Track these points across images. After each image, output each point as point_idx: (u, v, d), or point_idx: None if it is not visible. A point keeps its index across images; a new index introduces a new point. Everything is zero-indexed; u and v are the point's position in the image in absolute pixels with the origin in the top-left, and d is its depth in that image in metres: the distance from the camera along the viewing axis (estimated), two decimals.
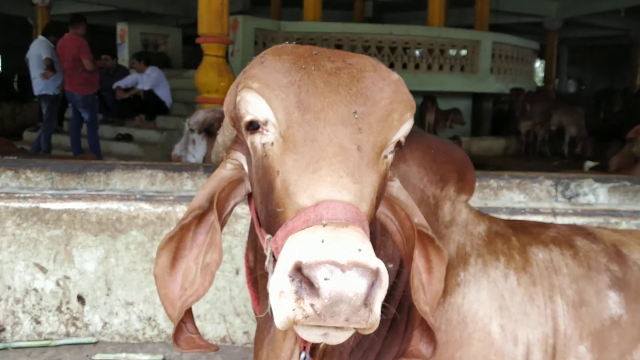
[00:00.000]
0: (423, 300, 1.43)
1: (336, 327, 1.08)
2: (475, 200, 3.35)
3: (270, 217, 1.25)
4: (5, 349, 2.75)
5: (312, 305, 1.02)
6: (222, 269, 2.80)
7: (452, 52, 11.99)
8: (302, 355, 1.42)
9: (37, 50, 8.63)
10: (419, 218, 1.47)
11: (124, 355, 2.70)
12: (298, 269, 1.03)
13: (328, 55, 1.33)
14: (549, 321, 1.82)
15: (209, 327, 2.83)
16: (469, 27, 13.91)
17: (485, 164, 10.58)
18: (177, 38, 13.22)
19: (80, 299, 2.82)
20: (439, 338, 1.71)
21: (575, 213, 2.81)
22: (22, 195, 2.81)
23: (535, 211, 2.76)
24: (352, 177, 1.18)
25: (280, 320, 1.06)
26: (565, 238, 2.02)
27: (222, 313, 2.82)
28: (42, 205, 2.78)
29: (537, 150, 12.15)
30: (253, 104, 1.25)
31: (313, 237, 1.07)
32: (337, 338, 1.12)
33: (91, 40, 8.44)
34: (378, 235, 1.66)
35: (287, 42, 1.43)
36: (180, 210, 2.75)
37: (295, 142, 1.21)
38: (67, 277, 2.80)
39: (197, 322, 2.56)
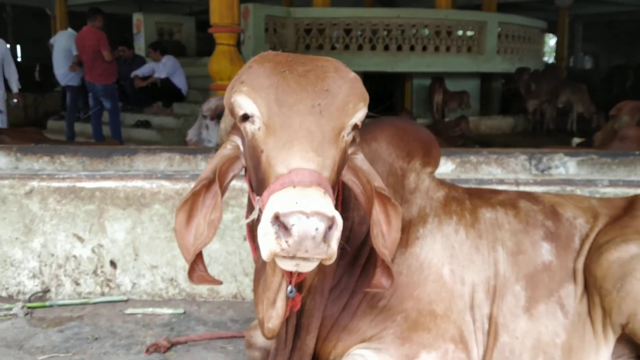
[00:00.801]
0: (382, 245, 1.86)
1: (304, 258, 1.52)
2: (458, 174, 3.77)
3: (258, 183, 1.72)
4: (51, 306, 3.24)
5: (286, 241, 1.48)
6: (232, 235, 3.25)
7: (459, 33, 12.24)
8: (289, 288, 1.87)
9: (66, 44, 9.10)
10: (378, 182, 1.90)
11: (150, 309, 3.18)
12: (276, 218, 1.49)
13: (301, 61, 1.79)
14: (491, 266, 2.24)
15: (223, 286, 3.29)
16: (478, 7, 14.12)
17: (493, 142, 10.88)
18: (190, 26, 13.62)
19: (113, 263, 3.30)
20: (401, 280, 2.17)
21: (536, 182, 3.18)
22: (60, 176, 3.28)
23: (501, 182, 3.15)
24: (315, 152, 1.62)
25: (265, 253, 1.53)
26: (511, 201, 2.44)
27: (233, 274, 3.28)
28: (78, 185, 3.25)
29: (545, 128, 12.40)
30: (244, 103, 1.72)
31: (286, 195, 1.52)
32: (306, 267, 1.58)
33: (107, 29, 8.84)
34: (352, 199, 2.10)
35: (270, 50, 1.89)
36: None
37: (275, 129, 1.67)
38: (100, 245, 3.28)
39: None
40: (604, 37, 26.12)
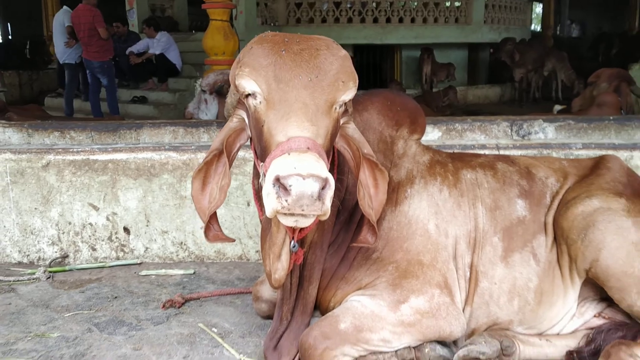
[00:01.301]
0: (368, 205, 2.13)
1: (302, 215, 1.78)
2: (444, 141, 4.03)
3: (262, 151, 1.98)
4: (71, 270, 3.51)
5: (286, 200, 1.75)
6: (236, 201, 3.51)
7: (447, 4, 12.40)
8: (292, 243, 2.15)
9: (62, 21, 9.22)
10: (367, 149, 2.16)
11: (163, 271, 3.45)
12: (277, 180, 1.75)
13: (296, 40, 2.05)
14: (471, 221, 2.51)
15: (229, 248, 3.57)
16: None
17: (480, 111, 11.12)
18: (182, 2, 13.68)
19: (126, 230, 3.56)
20: (392, 235, 2.44)
21: (515, 147, 3.44)
22: (74, 149, 3.51)
23: (484, 147, 3.41)
24: (310, 121, 1.88)
25: (268, 210, 1.80)
26: (489, 163, 2.70)
27: (238, 236, 3.55)
28: (92, 157, 3.49)
29: (531, 96, 12.65)
30: (246, 83, 1.99)
31: (285, 160, 1.77)
32: (304, 222, 1.85)
33: (100, 5, 8.93)
34: (346, 164, 2.35)
35: (268, 32, 2.13)
36: (201, 157, 3.44)
37: (274, 102, 1.94)
38: (114, 213, 3.54)
39: (218, 244, 3.30)
40: (591, 4, 26.15)
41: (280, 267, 2.22)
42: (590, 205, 2.41)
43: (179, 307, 2.99)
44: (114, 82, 9.23)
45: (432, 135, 4.00)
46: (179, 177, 3.47)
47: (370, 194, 2.15)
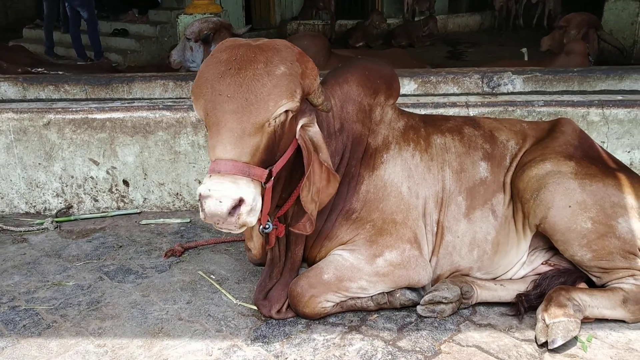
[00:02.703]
0: (312, 199, 2.42)
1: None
2: (419, 91, 4.28)
3: None
4: (75, 220, 3.82)
5: (203, 217, 2.14)
6: None
7: None
8: (260, 227, 2.50)
9: None
10: (323, 154, 2.44)
11: (162, 220, 3.78)
12: (200, 196, 2.14)
13: (242, 57, 2.21)
14: (439, 183, 2.82)
15: None
16: None
17: (460, 41, 11.26)
18: None
19: (125, 182, 3.85)
20: (370, 197, 2.75)
21: (483, 104, 3.73)
22: (74, 109, 3.74)
23: (454, 104, 3.70)
24: (234, 144, 2.15)
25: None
26: (457, 127, 2.98)
27: None
28: (90, 116, 3.72)
29: (510, 24, 12.72)
30: (194, 106, 2.31)
31: (207, 181, 2.12)
32: (235, 231, 2.20)
33: None
34: (325, 129, 2.64)
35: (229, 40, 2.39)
36: (194, 115, 3.70)
37: (210, 126, 2.27)
38: (114, 167, 3.81)
39: None
40: None
41: (253, 246, 2.63)
42: (544, 169, 2.74)
43: (179, 256, 3.34)
44: (94, 15, 9.17)
45: (409, 87, 4.27)
46: (173, 134, 3.73)
47: (320, 187, 2.43)
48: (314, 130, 2.43)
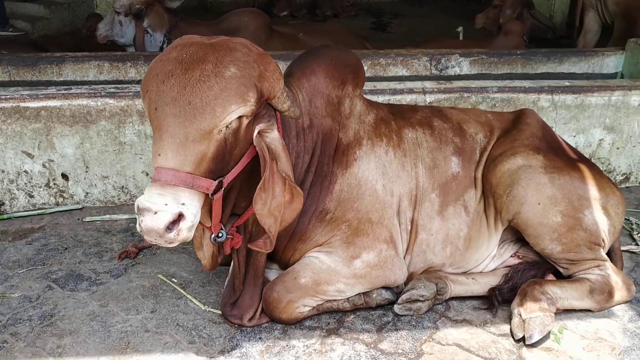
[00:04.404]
0: (268, 212, 2.21)
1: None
2: (368, 73, 4.20)
3: None
4: (9, 218, 3.49)
5: (140, 230, 1.98)
6: None
7: None
8: (212, 237, 2.35)
9: None
10: (282, 163, 2.22)
11: (107, 216, 3.52)
12: (138, 207, 1.95)
13: (193, 54, 2.02)
14: (413, 180, 2.77)
15: None
16: None
17: (383, 11, 11.17)
18: None
19: (64, 176, 3.54)
20: (344, 196, 2.66)
21: (440, 91, 3.70)
22: (3, 97, 3.36)
23: (411, 91, 3.65)
24: (175, 152, 1.97)
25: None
26: (426, 120, 2.93)
27: None
28: (22, 104, 3.36)
29: None
30: (143, 105, 2.12)
31: (147, 191, 1.97)
32: (173, 245, 2.03)
33: None
34: (293, 137, 2.51)
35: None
36: (139, 103, 3.43)
37: (154, 128, 2.08)
38: (51, 160, 3.49)
39: None
40: None
41: (202, 256, 2.46)
42: (515, 163, 2.75)
43: (134, 258, 3.13)
44: None
45: None
46: (117, 123, 3.46)
47: (282, 202, 2.23)
48: (272, 137, 2.22)
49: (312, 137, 2.63)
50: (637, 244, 3.35)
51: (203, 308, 2.75)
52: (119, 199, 3.64)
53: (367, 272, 2.62)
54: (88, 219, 3.49)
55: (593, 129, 3.84)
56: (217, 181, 2.07)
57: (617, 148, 3.92)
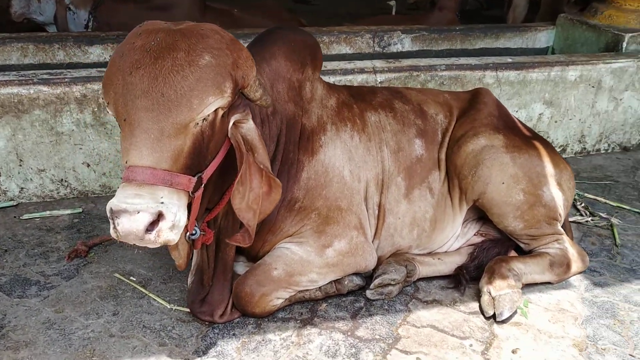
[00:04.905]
0: (247, 206, 2.12)
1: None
2: None
3: None
4: None
5: (116, 234, 1.82)
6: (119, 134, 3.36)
7: None
8: (187, 235, 2.21)
9: None
10: (259, 155, 2.12)
11: (47, 212, 3.27)
12: (111, 211, 1.79)
13: (160, 42, 1.85)
14: (379, 164, 2.74)
15: (115, 181, 3.45)
16: None
17: None
18: None
19: None
20: (311, 184, 2.59)
21: (390, 70, 3.68)
22: None
23: (362, 70, 3.60)
24: (151, 148, 1.81)
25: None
26: (387, 102, 2.89)
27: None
28: None
29: None
30: (104, 100, 1.94)
31: (121, 191, 1.80)
32: (152, 246, 1.87)
33: None
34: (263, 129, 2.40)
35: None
36: (77, 90, 3.18)
37: (122, 123, 1.89)
38: None
39: (103, 179, 3.20)
40: None
41: (178, 256, 2.27)
42: (478, 144, 2.77)
43: (84, 256, 2.93)
44: None
45: None
46: (53, 112, 3.19)
47: (259, 194, 2.15)
48: (248, 127, 2.11)
49: (276, 124, 2.54)
50: (581, 215, 3.50)
51: (169, 307, 2.62)
52: (58, 193, 3.39)
53: (339, 260, 2.58)
54: (26, 216, 3.23)
55: (534, 104, 3.95)
56: (196, 177, 1.94)
57: (555, 121, 4.06)
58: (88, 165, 3.35)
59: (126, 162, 1.84)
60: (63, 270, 2.84)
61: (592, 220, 3.44)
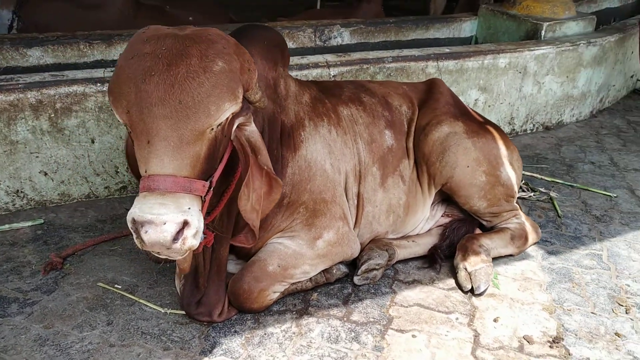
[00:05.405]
0: (251, 207, 2.20)
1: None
2: None
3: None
4: None
5: (142, 244, 1.83)
6: (78, 140, 3.25)
7: None
8: None
9: None
10: (262, 156, 2.18)
11: (7, 226, 3.11)
12: (134, 222, 1.79)
13: (169, 49, 1.85)
14: (355, 156, 2.87)
15: (74, 189, 3.34)
16: None
17: None
18: None
19: None
20: (296, 179, 2.67)
21: (342, 63, 3.80)
22: None
23: (316, 65, 3.70)
24: (171, 156, 1.83)
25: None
26: (356, 96, 3.01)
27: (84, 175, 3.33)
28: None
29: None
30: (113, 110, 1.93)
31: (142, 202, 1.79)
32: (175, 257, 1.90)
33: None
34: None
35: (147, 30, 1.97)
36: (32, 96, 3.04)
37: (136, 134, 1.89)
38: None
39: (62, 187, 3.12)
40: None
41: (183, 260, 2.22)
42: (442, 131, 2.97)
43: (61, 268, 2.84)
44: None
45: None
46: (7, 120, 3.04)
47: (261, 194, 2.22)
48: (251, 130, 2.16)
49: (259, 123, 2.58)
50: (523, 191, 3.81)
51: (163, 311, 2.61)
52: (14, 204, 3.23)
53: (329, 250, 2.69)
54: None
55: (470, 90, 4.23)
56: (208, 182, 1.98)
57: (489, 106, 4.37)
58: (45, 174, 3.22)
59: (145, 171, 1.84)
60: (41, 284, 2.74)
61: (533, 195, 3.77)
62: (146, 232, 1.77)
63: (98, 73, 3.25)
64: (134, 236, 1.82)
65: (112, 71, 3.31)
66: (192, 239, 1.85)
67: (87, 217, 3.29)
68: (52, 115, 3.11)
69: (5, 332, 2.45)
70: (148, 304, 2.65)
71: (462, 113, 3.15)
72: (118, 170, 3.39)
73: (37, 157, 3.17)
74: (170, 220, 1.78)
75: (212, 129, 1.93)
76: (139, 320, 2.55)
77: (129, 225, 1.81)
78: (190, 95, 1.85)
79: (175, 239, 1.80)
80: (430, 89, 3.24)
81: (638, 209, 3.68)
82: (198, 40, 1.93)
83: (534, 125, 4.68)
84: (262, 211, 2.26)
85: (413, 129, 3.06)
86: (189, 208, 1.84)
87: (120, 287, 2.75)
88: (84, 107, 3.18)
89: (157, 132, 1.83)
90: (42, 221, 3.20)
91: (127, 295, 2.69)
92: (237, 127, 2.12)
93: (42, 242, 3.04)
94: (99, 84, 3.16)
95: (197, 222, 1.86)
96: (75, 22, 4.25)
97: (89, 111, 3.19)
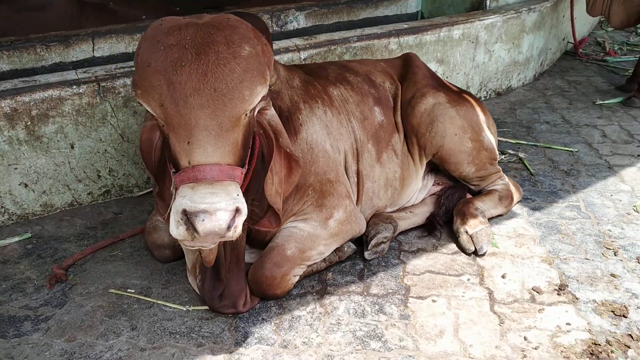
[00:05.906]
0: (276, 191, 2.23)
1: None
2: None
3: (172, 161, 1.93)
4: None
5: (194, 235, 1.80)
6: (57, 147, 3.11)
7: None
8: None
9: None
10: (283, 138, 2.21)
11: None
12: (184, 213, 1.76)
13: (193, 39, 1.81)
14: (351, 135, 2.92)
15: (56, 198, 3.20)
16: None
17: None
18: None
19: None
20: (300, 160, 2.66)
21: (311, 46, 3.82)
22: None
23: (287, 49, 3.70)
24: (214, 145, 1.82)
25: (175, 236, 1.80)
26: (342, 76, 3.06)
27: (65, 183, 3.19)
28: None
29: None
30: (143, 104, 1.91)
31: (192, 193, 1.77)
32: (210, 246, 1.90)
33: None
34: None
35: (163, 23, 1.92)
36: (6, 105, 2.88)
37: (173, 127, 1.86)
38: None
39: (44, 198, 3.01)
40: None
41: (209, 252, 2.24)
42: (428, 103, 3.07)
43: (65, 280, 2.74)
44: None
45: None
46: None
47: (281, 178, 2.25)
48: (272, 113, 2.16)
49: None
50: None
51: (184, 309, 2.58)
52: None
53: (340, 229, 2.74)
54: None
55: (429, 63, 4.36)
56: (245, 168, 1.97)
57: (447, 77, 4.52)
58: (26, 186, 3.07)
59: (189, 162, 1.81)
60: (49, 298, 2.63)
61: (504, 157, 3.96)
62: (202, 220, 1.73)
63: (71, 75, 3.12)
64: (183, 229, 1.76)
65: (85, 72, 3.19)
66: (241, 226, 1.85)
67: (75, 225, 3.16)
68: (29, 123, 2.97)
69: (27, 351, 2.35)
70: (167, 304, 2.60)
71: (440, 84, 3.26)
72: (100, 174, 3.28)
73: (15, 168, 3.02)
74: (224, 209, 1.76)
75: (246, 114, 1.92)
76: (163, 321, 2.51)
77: (177, 216, 1.76)
78: (224, 82, 1.83)
79: (228, 226, 1.79)
80: (407, 64, 3.33)
81: (599, 160, 3.95)
82: (220, 27, 1.90)
83: (487, 92, 4.89)
84: (283, 194, 2.28)
85: (399, 103, 3.14)
86: (237, 195, 1.83)
87: (133, 291, 2.68)
88: (61, 112, 3.05)
89: (196, 122, 1.80)
90: (30, 235, 3.05)
91: (144, 298, 2.64)
92: (259, 112, 2.11)
93: (37, 256, 2.91)
94: (74, 86, 3.04)
95: (246, 209, 1.85)
96: (19, 25, 4.02)
97: (67, 115, 3.06)
